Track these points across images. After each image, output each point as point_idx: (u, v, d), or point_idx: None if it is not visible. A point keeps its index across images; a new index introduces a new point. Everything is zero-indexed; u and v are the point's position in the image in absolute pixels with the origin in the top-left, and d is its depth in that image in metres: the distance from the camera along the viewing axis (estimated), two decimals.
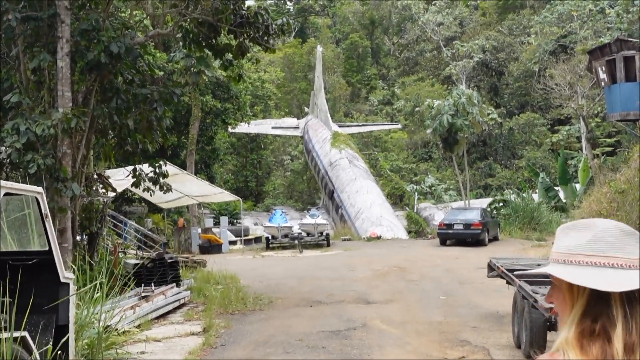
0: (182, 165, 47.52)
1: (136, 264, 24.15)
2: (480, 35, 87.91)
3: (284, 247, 44.26)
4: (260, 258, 39.28)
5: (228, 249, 44.60)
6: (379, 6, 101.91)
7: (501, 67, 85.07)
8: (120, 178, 27.84)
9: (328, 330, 17.25)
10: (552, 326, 12.77)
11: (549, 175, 61.91)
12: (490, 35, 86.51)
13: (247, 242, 49.39)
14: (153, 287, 20.89)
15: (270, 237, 45.19)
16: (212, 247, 43.08)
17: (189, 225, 46.63)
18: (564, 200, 52.73)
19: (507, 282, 16.27)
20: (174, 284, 22.88)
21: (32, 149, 19.35)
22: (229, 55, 24.76)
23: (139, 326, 17.45)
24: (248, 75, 61.26)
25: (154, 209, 48.67)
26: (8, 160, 19.56)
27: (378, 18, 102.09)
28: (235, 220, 52.59)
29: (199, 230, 44.64)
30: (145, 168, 25.18)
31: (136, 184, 25.00)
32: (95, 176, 25.19)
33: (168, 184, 26.06)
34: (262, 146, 76.50)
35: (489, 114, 69.04)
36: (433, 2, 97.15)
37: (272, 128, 71.96)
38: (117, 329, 16.01)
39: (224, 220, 50.87)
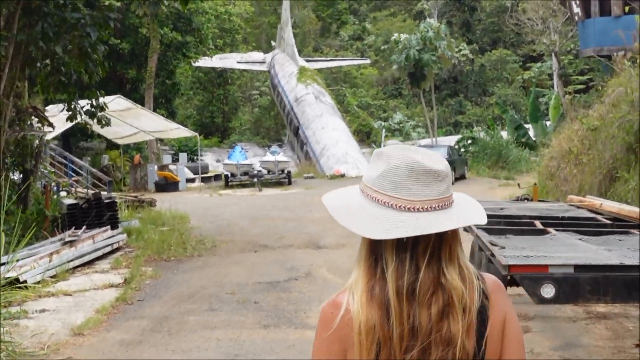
0: (142, 100, 45.40)
1: (70, 205, 22.20)
2: None
3: (244, 185, 42.35)
4: (217, 197, 37.45)
5: (185, 186, 42.60)
6: None
7: (474, 2, 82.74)
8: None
9: (267, 280, 15.37)
10: (513, 281, 10.84)
11: (520, 113, 60.34)
12: None
13: (207, 179, 47.45)
14: (81, 231, 18.86)
15: (229, 175, 43.24)
16: (168, 184, 41.10)
17: (146, 162, 44.55)
18: (534, 138, 51.06)
19: (465, 229, 14.35)
20: (109, 226, 20.90)
21: None
22: None
23: (55, 276, 15.48)
24: (214, 9, 58.95)
25: (112, 145, 46.59)
26: None
27: None
28: (195, 157, 50.43)
29: (156, 168, 42.55)
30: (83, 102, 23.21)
31: (71, 118, 22.89)
32: (30, 109, 23.14)
33: (107, 118, 24.03)
34: (230, 81, 74.09)
35: (460, 50, 67.14)
36: None
37: (238, 62, 69.42)
38: (24, 282, 14.06)
39: (183, 157, 48.94)
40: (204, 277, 15.90)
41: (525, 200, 18.04)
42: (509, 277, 9.83)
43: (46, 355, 10.00)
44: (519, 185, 23.35)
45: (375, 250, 2.34)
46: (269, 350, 10.24)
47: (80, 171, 34.76)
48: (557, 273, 9.58)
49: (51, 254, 16.25)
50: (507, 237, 12.00)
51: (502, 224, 13.62)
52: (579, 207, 15.85)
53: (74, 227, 19.95)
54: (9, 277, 13.27)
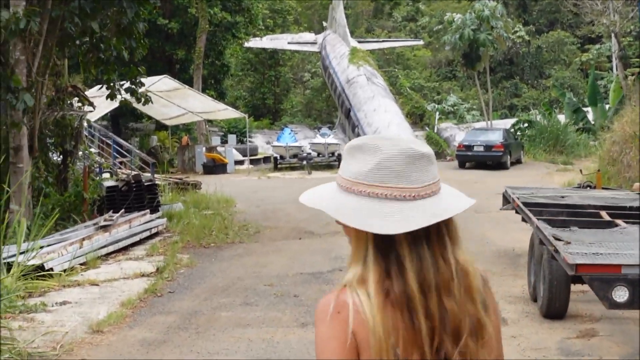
0: (191, 81, 44.67)
1: (109, 187, 21.40)
2: None
3: (293, 168, 41.40)
4: (265, 179, 36.58)
5: (234, 169, 41.71)
6: None
7: None
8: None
9: (309, 271, 14.38)
10: (577, 279, 9.68)
11: (577, 96, 58.57)
12: None
13: (256, 162, 46.55)
14: (117, 215, 17.99)
15: (278, 157, 42.34)
16: (216, 166, 40.24)
17: (194, 144, 43.79)
18: (593, 122, 49.44)
19: (523, 220, 13.17)
20: (148, 210, 20.03)
21: None
22: None
23: (84, 264, 14.61)
24: None
25: (161, 126, 45.96)
26: None
27: None
28: (244, 139, 49.53)
29: (204, 149, 41.72)
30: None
31: (111, 96, 22.04)
32: (69, 89, 22.38)
33: (147, 95, 23.13)
34: (281, 62, 73.22)
35: (516, 32, 65.44)
36: None
37: (288, 43, 68.14)
38: (50, 270, 13.20)
39: (232, 138, 48.13)
40: (242, 267, 14.97)
41: (588, 188, 16.81)
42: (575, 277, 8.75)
43: (57, 356, 9.09)
44: (580, 171, 22.08)
45: (384, 246, 2.23)
46: (305, 353, 9.21)
47: (124, 152, 34.04)
48: (631, 274, 8.43)
49: (82, 239, 15.42)
50: (571, 230, 10.85)
51: (564, 214, 12.49)
52: None
53: (111, 211, 19.15)
54: (31, 265, 12.45)
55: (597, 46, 69.91)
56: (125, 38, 20.34)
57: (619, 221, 11.44)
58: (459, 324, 2.23)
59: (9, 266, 12.39)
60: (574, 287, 10.88)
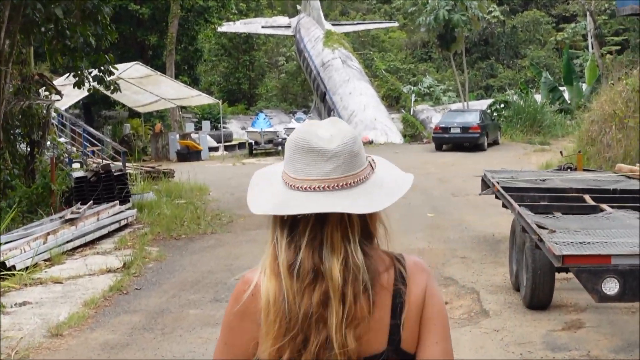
0: (164, 67, 43.97)
1: (77, 178, 20.76)
2: None
3: (268, 154, 40.81)
4: (240, 166, 35.94)
5: (208, 155, 41.00)
6: None
7: None
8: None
9: None
10: (563, 268, 9.15)
11: (553, 76, 58.14)
12: None
13: (231, 148, 45.95)
14: (85, 207, 17.35)
15: (253, 143, 41.72)
16: (190, 154, 39.56)
17: (168, 131, 43.10)
18: (569, 101, 49.10)
19: (504, 206, 12.65)
20: (117, 201, 19.40)
21: None
22: None
23: (49, 260, 13.99)
24: None
25: (134, 114, 45.19)
26: None
27: None
28: (218, 125, 48.86)
29: (177, 136, 41.05)
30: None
31: (78, 84, 21.37)
32: (36, 77, 21.70)
33: (116, 84, 22.51)
34: (255, 47, 72.63)
35: (490, 12, 64.87)
36: None
37: (262, 27, 67.46)
38: (12, 267, 12.59)
39: (206, 125, 47.49)
40: (214, 259, 14.39)
41: (569, 170, 16.29)
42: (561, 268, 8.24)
43: None
44: (561, 152, 21.59)
45: (274, 225, 2.34)
46: None
47: (94, 141, 33.28)
48: (621, 265, 7.90)
49: (47, 234, 14.77)
50: (555, 217, 10.34)
51: (546, 199, 11.98)
52: (630, 178, 14.17)
53: (79, 203, 18.52)
54: None
55: (572, 25, 69.63)
56: (91, 24, 19.68)
57: (604, 205, 10.95)
58: (309, 323, 2.22)
59: None
60: (558, 275, 10.41)
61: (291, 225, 2.26)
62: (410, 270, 2.36)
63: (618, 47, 56.72)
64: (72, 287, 12.09)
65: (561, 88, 50.88)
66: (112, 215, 17.94)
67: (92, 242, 16.18)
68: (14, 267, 12.71)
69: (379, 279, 2.29)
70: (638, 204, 10.87)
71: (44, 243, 14.26)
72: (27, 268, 12.89)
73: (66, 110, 35.27)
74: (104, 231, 16.98)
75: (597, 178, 14.36)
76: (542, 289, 10.08)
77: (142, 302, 11.24)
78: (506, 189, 12.57)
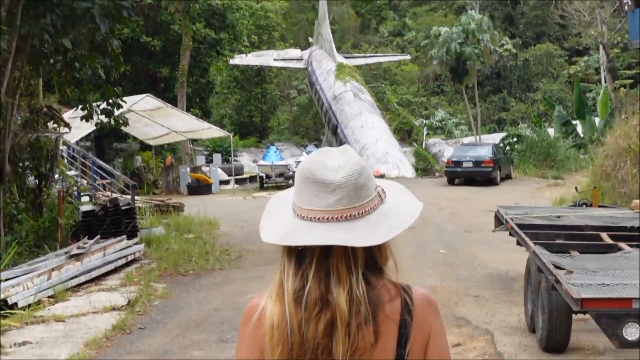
0: (175, 99, 43.84)
1: (84, 212, 20.49)
2: None
3: (279, 187, 40.31)
4: (250, 199, 35.61)
5: (219, 189, 40.76)
6: None
7: None
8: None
9: None
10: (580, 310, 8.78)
11: (566, 109, 57.81)
12: None
13: (242, 181, 45.69)
14: (91, 242, 17.07)
15: (264, 176, 41.41)
16: (201, 187, 39.28)
17: (179, 164, 42.88)
18: (582, 135, 48.68)
19: (519, 243, 12.29)
20: (124, 236, 19.10)
21: None
22: None
23: (53, 297, 13.66)
24: (249, 5, 57.37)
25: (145, 146, 45.04)
26: None
27: None
28: (229, 158, 48.63)
29: (188, 169, 40.81)
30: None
31: (87, 117, 21.16)
32: (44, 109, 21.50)
33: (124, 117, 22.30)
34: (267, 79, 72.57)
35: (503, 45, 64.81)
36: None
37: (274, 60, 67.52)
38: (13, 305, 12.27)
39: (217, 157, 47.27)
40: (220, 297, 14.01)
41: (584, 206, 15.95)
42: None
43: None
44: (576, 188, 21.19)
45: (283, 254, 2.36)
46: None
47: (104, 174, 33.07)
48: None
49: (51, 270, 14.45)
50: (572, 257, 9.97)
51: (562, 237, 11.59)
52: None
53: (86, 237, 18.23)
54: None
55: (585, 58, 69.41)
56: (100, 56, 19.49)
57: (622, 244, 10.59)
58: (315, 352, 2.24)
59: None
60: (575, 316, 10.05)
61: (299, 255, 2.28)
62: (417, 301, 2.37)
63: (631, 81, 56.34)
64: (75, 325, 11.73)
65: (574, 122, 50.49)
66: (119, 251, 17.63)
67: (98, 278, 15.85)
68: (15, 304, 12.40)
69: (383, 309, 2.29)
70: None
71: (48, 279, 13.96)
72: (29, 305, 12.56)
73: (77, 142, 35.10)
74: (110, 267, 16.66)
75: (614, 215, 14.00)
76: (558, 332, 9.72)
77: (145, 342, 10.87)
78: (520, 226, 12.23)
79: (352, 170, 2.30)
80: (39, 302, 13.09)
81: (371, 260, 2.31)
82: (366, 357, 2.25)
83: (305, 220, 2.27)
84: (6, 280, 13.01)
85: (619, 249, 10.44)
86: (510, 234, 12.89)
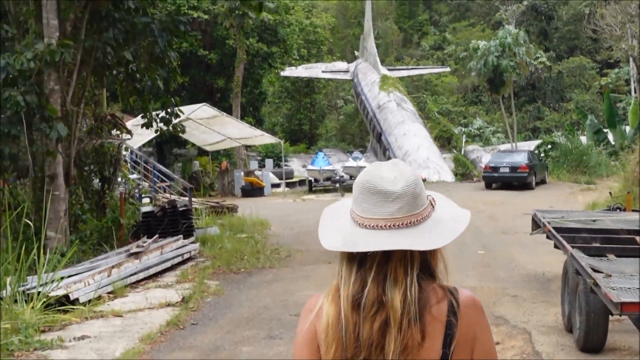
0: (230, 108, 43.80)
1: (144, 213, 20.35)
2: None
3: (327, 191, 40.18)
4: (300, 202, 35.34)
5: (270, 192, 40.57)
6: None
7: (550, 11, 79.40)
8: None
9: None
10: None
11: (598, 119, 56.86)
12: None
13: (292, 185, 45.45)
14: (149, 241, 16.88)
15: (312, 180, 41.10)
16: (254, 190, 39.12)
17: (234, 168, 42.77)
18: (613, 143, 47.76)
19: (556, 246, 11.85)
20: (181, 235, 18.91)
21: (13, 85, 15.42)
22: None
23: (112, 292, 13.47)
24: (300, 21, 57.21)
25: (203, 152, 45.01)
26: None
27: None
28: (280, 163, 48.45)
29: (242, 173, 40.66)
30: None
31: (147, 125, 21.05)
32: (108, 117, 21.43)
33: (182, 125, 22.17)
34: (316, 90, 72.40)
35: (537, 58, 63.96)
36: None
37: (322, 72, 67.18)
38: (75, 300, 12.09)
39: (269, 163, 47.12)
40: (270, 295, 13.71)
41: (618, 210, 15.42)
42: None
43: None
44: (610, 193, 20.65)
45: (341, 258, 2.36)
46: None
47: (163, 177, 33.02)
48: None
49: (112, 267, 14.29)
50: (609, 260, 9.55)
51: (598, 240, 11.13)
52: None
53: (145, 236, 18.08)
54: (53, 296, 11.37)
55: (616, 70, 68.22)
56: (159, 67, 19.37)
57: None
58: (369, 350, 2.25)
59: (40, 296, 11.36)
60: (611, 317, 9.61)
61: (360, 261, 2.28)
62: (462, 304, 2.34)
63: None
64: (132, 321, 11.50)
65: (605, 130, 49.59)
66: (175, 249, 17.44)
67: (155, 275, 15.64)
68: (77, 300, 12.23)
69: (430, 310, 2.29)
70: None
71: (108, 276, 13.79)
72: (89, 301, 12.37)
73: (140, 148, 35.17)
74: (167, 264, 16.46)
75: None
76: (596, 332, 9.31)
77: (198, 338, 10.58)
78: (557, 229, 11.80)
79: (409, 181, 2.34)
80: (99, 298, 12.91)
81: (424, 264, 2.33)
82: (413, 356, 2.25)
83: (368, 229, 2.29)
84: (69, 277, 12.85)
85: None
86: (548, 237, 12.45)
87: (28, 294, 11.40)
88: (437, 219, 2.36)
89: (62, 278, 12.28)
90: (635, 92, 53.97)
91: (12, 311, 10.32)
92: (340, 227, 2.35)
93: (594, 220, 13.32)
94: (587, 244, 10.85)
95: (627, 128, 48.29)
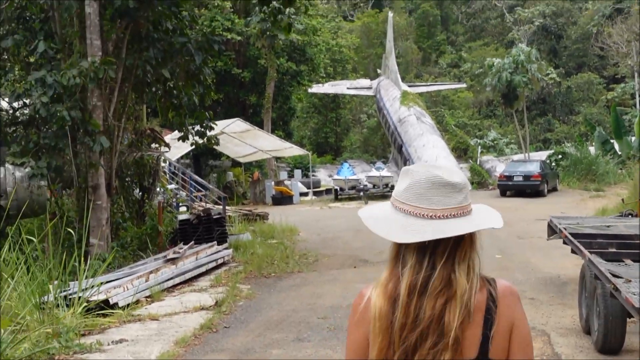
0: (262, 123, 43.60)
1: (181, 221, 20.08)
2: (540, 1, 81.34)
3: (352, 199, 39.71)
4: (326, 209, 34.97)
5: (299, 200, 40.18)
6: None
7: (560, 30, 78.68)
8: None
9: None
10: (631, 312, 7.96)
11: (605, 130, 56.09)
12: (550, 2, 79.98)
13: (319, 193, 45.03)
14: (185, 247, 16.59)
15: (338, 189, 40.68)
16: (283, 198, 38.81)
17: (265, 178, 42.48)
18: (619, 153, 47.05)
19: (573, 252, 11.40)
20: (215, 242, 18.61)
21: (59, 101, 15.22)
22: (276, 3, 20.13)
23: (150, 297, 13.16)
24: (326, 42, 56.95)
25: (236, 163, 44.77)
26: (37, 115, 15.66)
27: None
28: (308, 173, 48.11)
29: (272, 183, 40.36)
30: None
31: (183, 138, 20.84)
32: (148, 131, 21.24)
33: (216, 138, 21.92)
34: (341, 105, 71.98)
35: (548, 74, 63.24)
36: None
37: (347, 88, 66.66)
38: (115, 304, 11.80)
39: (298, 173, 46.75)
40: (298, 298, 13.33)
41: (630, 216, 14.94)
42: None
43: None
44: (622, 200, 20.11)
45: (398, 253, 2.35)
46: None
47: (200, 187, 32.80)
48: None
49: (149, 272, 13.99)
50: (627, 265, 9.12)
51: (614, 245, 10.69)
52: None
53: (182, 243, 17.79)
54: (94, 301, 11.08)
55: (622, 85, 67.35)
56: (195, 84, 19.14)
57: None
58: (428, 325, 2.25)
59: (81, 301, 11.07)
60: (628, 319, 9.17)
61: (432, 249, 2.28)
62: (500, 292, 2.37)
63: None
64: (167, 324, 11.15)
65: (612, 141, 48.93)
66: (209, 255, 17.13)
67: (191, 280, 15.34)
68: (116, 304, 11.94)
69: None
70: None
71: (146, 281, 13.49)
72: (128, 305, 12.06)
73: (178, 160, 35.00)
74: (202, 269, 16.15)
75: None
76: (614, 334, 8.88)
77: (230, 341, 10.21)
78: (574, 235, 11.36)
79: (461, 174, 2.41)
80: (137, 302, 12.62)
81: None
82: (463, 332, 2.25)
83: (442, 219, 2.30)
84: (108, 282, 12.57)
85: None
86: (564, 242, 12.00)
87: (70, 298, 11.12)
88: (478, 209, 2.43)
89: (102, 283, 11.99)
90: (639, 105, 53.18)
91: (53, 315, 10.02)
92: (408, 223, 2.31)
93: (608, 226, 12.86)
94: (603, 249, 10.42)
95: (633, 139, 47.64)
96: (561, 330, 10.44)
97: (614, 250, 10.27)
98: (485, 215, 2.40)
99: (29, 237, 11.78)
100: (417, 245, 2.28)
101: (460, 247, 2.30)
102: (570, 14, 79.23)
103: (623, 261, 9.41)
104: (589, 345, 9.51)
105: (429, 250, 2.28)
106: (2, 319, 8.46)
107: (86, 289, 11.30)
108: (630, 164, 42.50)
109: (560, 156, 46.71)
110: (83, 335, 10.12)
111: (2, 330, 8.30)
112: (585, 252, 9.67)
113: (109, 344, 9.81)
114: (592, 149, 47.36)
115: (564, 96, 74.44)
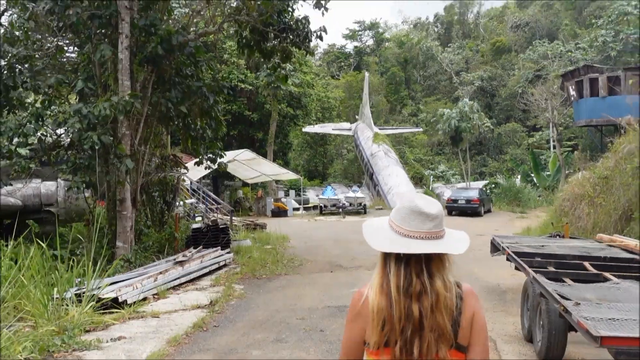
0: (266, 154, 42.19)
1: (194, 229, 18.56)
2: (479, 69, 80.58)
3: (333, 214, 38.19)
4: (313, 221, 33.41)
5: (292, 213, 38.61)
6: (410, 49, 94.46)
7: (494, 90, 77.79)
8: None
9: (335, 304, 11.19)
10: (572, 326, 6.46)
11: (527, 167, 54.93)
12: (486, 69, 79.21)
13: (308, 209, 43.48)
14: (194, 251, 15.06)
15: (322, 206, 39.17)
16: (280, 212, 37.25)
17: (266, 196, 40.95)
18: (537, 184, 46.03)
19: (517, 268, 9.91)
20: (219, 247, 17.06)
21: (93, 129, 13.80)
22: (277, 59, 18.72)
23: (157, 294, 11.59)
24: (318, 94, 55.71)
25: (244, 184, 43.22)
26: (70, 141, 14.32)
27: (409, 57, 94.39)
28: (300, 193, 46.58)
29: (272, 200, 38.83)
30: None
31: (198, 163, 19.37)
32: (171, 157, 19.81)
33: (225, 164, 20.48)
34: (328, 142, 70.59)
35: (484, 123, 62.16)
36: (448, 46, 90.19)
37: (332, 129, 65.11)
38: (124, 302, 10.24)
39: (292, 192, 45.28)
40: (282, 299, 11.75)
41: (557, 237, 13.50)
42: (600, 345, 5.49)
43: None
44: (552, 224, 18.69)
45: (386, 259, 2.30)
46: None
47: (214, 202, 31.27)
48: None
49: (159, 273, 12.43)
50: (570, 285, 7.63)
51: (552, 264, 9.20)
52: (611, 246, 11.33)
53: (192, 247, 16.27)
54: (105, 298, 9.53)
55: (540, 133, 66.31)
56: (208, 119, 17.70)
57: (606, 274, 8.21)
58: (422, 324, 2.21)
59: (90, 299, 9.51)
60: (570, 338, 7.69)
61: (405, 261, 2.24)
62: (465, 292, 2.36)
63: (570, 149, 53.39)
64: (165, 321, 9.56)
65: (532, 175, 47.91)
66: (213, 258, 15.58)
67: (196, 279, 13.80)
68: (125, 302, 10.39)
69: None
70: (637, 274, 8.09)
71: (154, 281, 11.93)
72: (134, 302, 10.50)
73: (200, 180, 33.62)
74: (205, 270, 14.60)
75: (584, 245, 11.56)
76: (556, 346, 7.40)
77: (216, 340, 8.63)
78: (517, 253, 9.89)
79: (438, 207, 2.34)
80: (144, 299, 11.06)
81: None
82: (445, 322, 2.23)
83: (415, 239, 2.25)
84: (120, 281, 11.02)
85: (605, 279, 8.06)
86: (508, 259, 10.52)
87: (85, 296, 9.57)
88: (451, 234, 2.36)
89: (112, 283, 10.44)
90: (553, 149, 52.02)
91: (62, 313, 8.47)
92: (391, 237, 2.27)
93: (542, 246, 11.39)
94: (542, 268, 8.95)
95: (547, 173, 46.74)
96: (505, 337, 8.95)
97: (553, 269, 8.79)
98: (453, 242, 2.31)
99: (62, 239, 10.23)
100: (396, 256, 2.25)
101: (432, 261, 2.25)
102: (502, 78, 78.42)
103: (564, 280, 7.93)
104: (532, 354, 8.02)
105: (403, 261, 2.24)
106: (6, 315, 6.91)
107: (99, 287, 9.75)
108: (545, 193, 41.53)
109: (493, 185, 45.54)
110: (87, 331, 8.56)
111: (6, 330, 6.75)
112: (530, 271, 8.20)
113: (107, 342, 8.23)
114: (517, 181, 46.27)
115: (496, 140, 73.34)
